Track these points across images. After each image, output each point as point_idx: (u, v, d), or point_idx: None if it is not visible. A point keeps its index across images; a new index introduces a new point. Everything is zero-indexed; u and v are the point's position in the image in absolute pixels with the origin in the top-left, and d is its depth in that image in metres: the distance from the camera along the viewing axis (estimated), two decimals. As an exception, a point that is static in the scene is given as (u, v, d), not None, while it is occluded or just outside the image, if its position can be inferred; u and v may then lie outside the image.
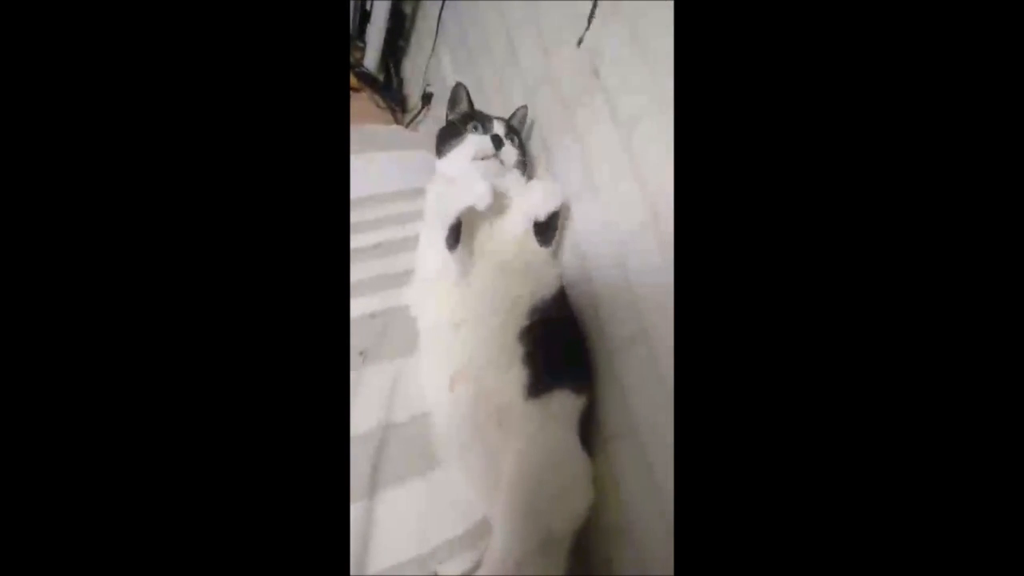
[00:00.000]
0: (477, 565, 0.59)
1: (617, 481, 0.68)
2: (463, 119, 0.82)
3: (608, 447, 0.70)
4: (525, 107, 0.86)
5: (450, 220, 0.69)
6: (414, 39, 1.49)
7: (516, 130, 0.84)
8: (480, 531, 0.61)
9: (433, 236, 0.73)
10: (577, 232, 0.79)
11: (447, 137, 0.81)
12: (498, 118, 0.83)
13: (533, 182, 0.79)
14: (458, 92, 0.86)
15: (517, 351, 0.68)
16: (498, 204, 0.73)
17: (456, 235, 0.70)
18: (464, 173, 0.76)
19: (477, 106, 0.89)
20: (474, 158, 0.78)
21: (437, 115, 1.36)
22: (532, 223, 0.75)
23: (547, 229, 0.76)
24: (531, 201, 0.74)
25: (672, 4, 0.60)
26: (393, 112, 1.50)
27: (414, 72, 1.50)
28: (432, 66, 1.34)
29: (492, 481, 0.61)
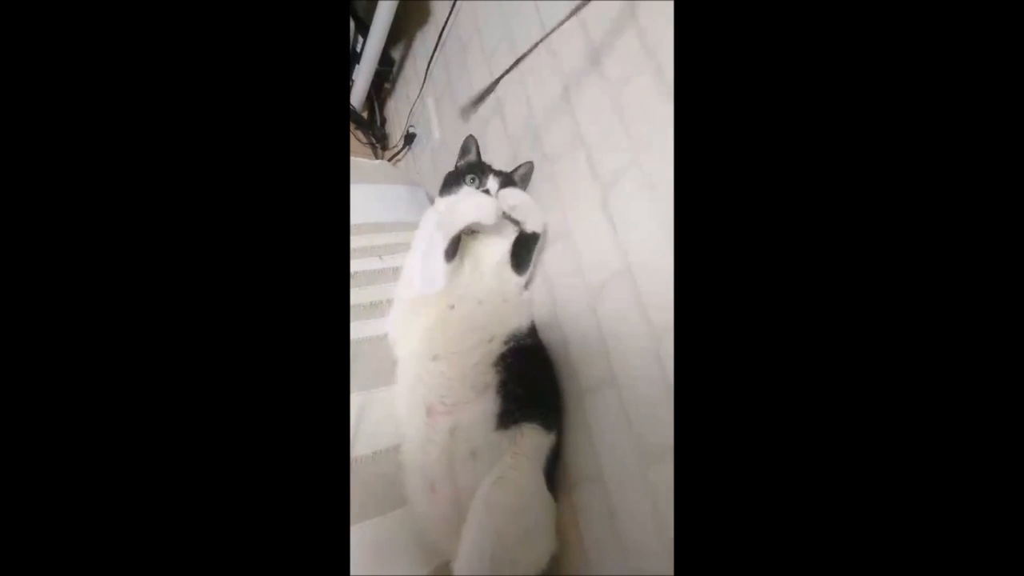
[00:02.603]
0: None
1: (580, 530, 0.68)
2: (466, 168, 0.88)
3: (573, 491, 0.70)
4: (531, 163, 0.89)
5: (454, 231, 0.75)
6: (400, 82, 1.54)
7: (514, 183, 0.87)
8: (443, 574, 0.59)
9: (430, 248, 0.77)
10: (550, 277, 0.82)
11: (450, 182, 0.89)
12: (499, 172, 0.87)
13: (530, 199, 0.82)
14: (468, 143, 0.93)
15: (493, 378, 0.70)
16: (482, 241, 0.77)
17: (455, 247, 0.76)
18: (469, 195, 0.83)
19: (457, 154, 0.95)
20: None
21: (417, 155, 1.40)
22: (511, 247, 0.79)
23: (523, 253, 0.80)
24: (527, 208, 0.77)
25: (651, 72, 0.67)
26: (374, 148, 1.53)
27: (397, 113, 1.54)
28: (417, 109, 1.39)
29: (457, 521, 0.59)
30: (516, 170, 0.89)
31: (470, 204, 0.77)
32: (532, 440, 0.67)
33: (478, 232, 0.82)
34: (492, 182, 0.85)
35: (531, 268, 0.82)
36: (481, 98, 0.97)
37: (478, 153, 0.93)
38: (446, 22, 1.18)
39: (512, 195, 0.78)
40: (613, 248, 0.70)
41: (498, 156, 0.97)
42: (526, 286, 0.83)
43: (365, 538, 0.58)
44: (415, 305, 0.78)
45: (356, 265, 0.86)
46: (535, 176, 0.89)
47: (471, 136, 0.94)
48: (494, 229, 0.81)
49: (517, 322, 0.77)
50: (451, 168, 0.94)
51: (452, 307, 0.75)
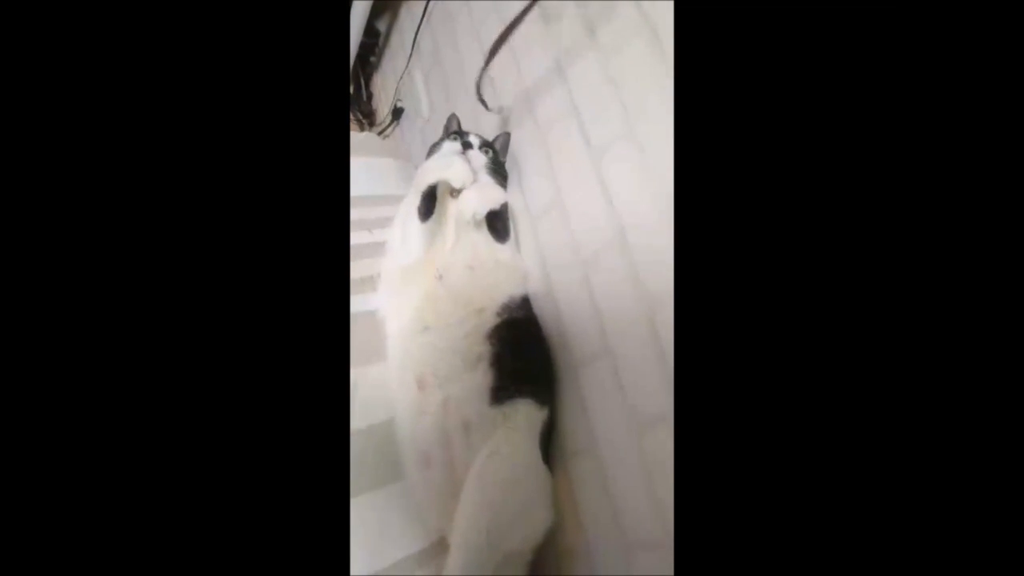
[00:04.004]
0: (434, 583, 0.57)
1: (576, 502, 0.68)
2: (449, 135, 0.89)
3: (568, 464, 0.70)
4: (508, 134, 0.90)
5: (423, 188, 0.74)
6: (387, 56, 1.50)
7: (493, 147, 0.88)
8: (440, 548, 0.59)
9: (407, 211, 0.77)
10: (543, 248, 0.81)
11: (433, 149, 0.89)
12: (479, 136, 0.88)
13: (475, 184, 0.81)
14: (451, 121, 0.94)
15: (485, 351, 0.69)
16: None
17: (428, 206, 0.75)
18: (444, 155, 0.83)
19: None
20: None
21: (406, 130, 1.36)
22: (484, 219, 0.78)
23: (498, 225, 0.79)
24: (467, 198, 0.77)
25: (645, 40, 0.64)
26: (360, 124, 1.49)
27: (384, 87, 1.50)
28: (404, 83, 1.35)
29: (453, 495, 0.59)
30: (495, 139, 0.89)
31: (441, 162, 0.77)
32: (526, 415, 0.67)
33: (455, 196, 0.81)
34: (474, 138, 0.86)
35: (512, 233, 0.82)
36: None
37: (459, 125, 0.94)
38: (432, -9, 1.14)
39: (470, 203, 0.76)
40: (606, 218, 0.69)
41: (489, 124, 0.95)
42: (518, 249, 0.83)
43: (360, 512, 0.58)
44: (403, 277, 0.76)
45: (344, 240, 0.84)
46: (526, 145, 0.87)
47: (453, 115, 0.95)
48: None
49: (509, 291, 0.75)
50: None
51: (440, 277, 0.74)
